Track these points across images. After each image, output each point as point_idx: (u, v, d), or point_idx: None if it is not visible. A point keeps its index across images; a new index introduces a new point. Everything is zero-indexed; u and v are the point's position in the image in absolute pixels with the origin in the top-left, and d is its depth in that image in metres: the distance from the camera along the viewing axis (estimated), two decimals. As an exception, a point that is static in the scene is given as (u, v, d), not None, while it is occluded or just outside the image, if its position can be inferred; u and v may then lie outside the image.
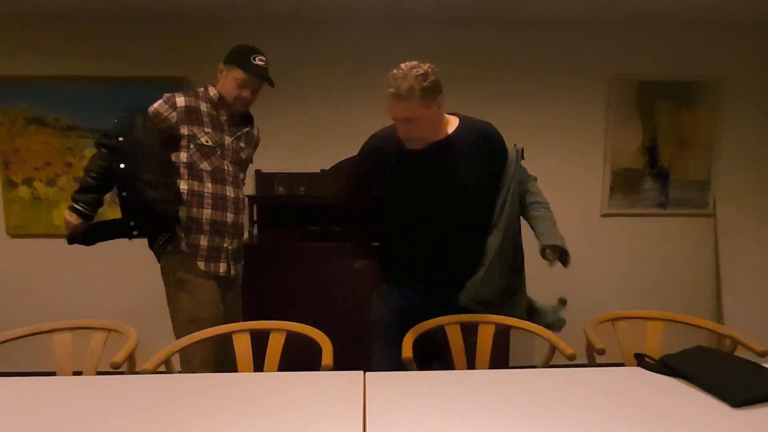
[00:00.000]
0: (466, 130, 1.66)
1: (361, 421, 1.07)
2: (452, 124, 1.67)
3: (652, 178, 3.20)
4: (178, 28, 2.98)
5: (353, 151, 3.04)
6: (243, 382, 1.29)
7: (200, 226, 1.98)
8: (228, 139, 2.02)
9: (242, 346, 1.62)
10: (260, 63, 1.97)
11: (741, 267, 3.25)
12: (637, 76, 3.12)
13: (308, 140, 3.15)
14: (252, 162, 2.24)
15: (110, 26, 2.97)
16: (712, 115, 3.16)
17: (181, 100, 1.93)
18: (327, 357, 1.52)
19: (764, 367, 1.28)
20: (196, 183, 1.96)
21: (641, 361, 1.42)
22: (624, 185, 3.21)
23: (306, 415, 1.10)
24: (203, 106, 1.97)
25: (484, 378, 1.31)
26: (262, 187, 3.05)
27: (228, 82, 1.96)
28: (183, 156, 1.95)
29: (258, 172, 3.05)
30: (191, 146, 1.94)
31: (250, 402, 1.17)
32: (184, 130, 1.93)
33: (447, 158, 1.62)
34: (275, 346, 1.61)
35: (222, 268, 2.04)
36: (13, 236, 3.07)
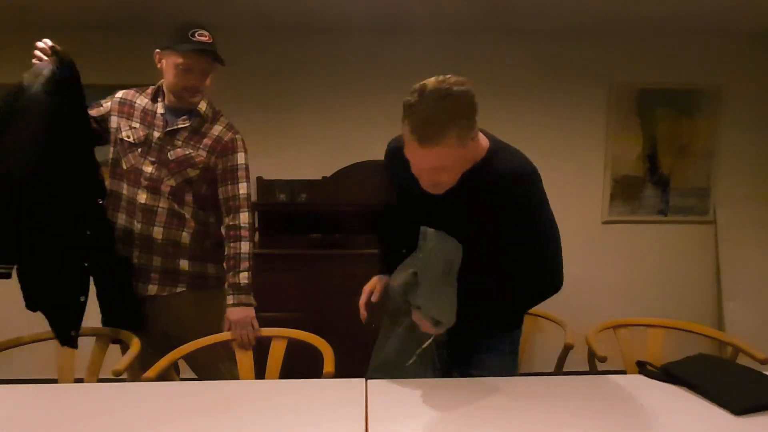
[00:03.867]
0: (494, 160, 1.30)
1: (363, 429, 1.07)
2: (479, 153, 1.29)
3: (652, 186, 3.21)
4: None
5: (354, 159, 3.08)
6: (244, 389, 1.29)
7: (116, 231, 1.72)
8: (156, 135, 1.68)
9: (243, 354, 1.63)
10: (202, 39, 1.61)
11: (742, 274, 3.24)
12: (637, 84, 3.14)
13: (309, 147, 3.15)
14: (204, 167, 1.71)
15: (111, 35, 2.98)
16: (711, 122, 3.17)
17: (120, 92, 1.75)
18: (328, 365, 1.51)
19: (766, 375, 1.28)
20: (116, 183, 1.72)
21: (643, 368, 1.42)
22: (624, 192, 3.22)
23: (307, 423, 1.10)
24: (140, 100, 1.73)
25: (486, 386, 1.31)
26: (263, 194, 3.06)
27: (168, 71, 1.63)
28: (110, 151, 1.72)
29: (259, 179, 3.06)
30: (117, 141, 1.71)
31: (251, 410, 1.16)
32: (113, 123, 1.71)
33: (466, 197, 1.27)
34: (276, 353, 1.61)
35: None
36: (14, 243, 3.07)
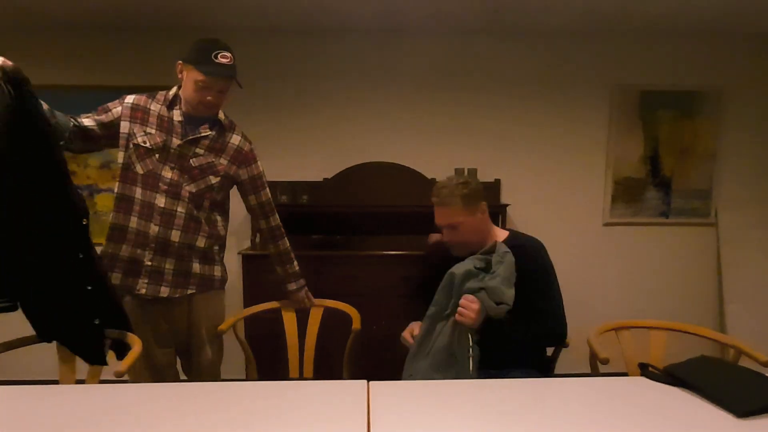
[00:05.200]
0: (512, 245, 1.66)
1: (365, 431, 1.07)
2: (499, 236, 1.72)
3: (654, 188, 3.21)
4: (179, 38, 2.97)
5: (356, 160, 3.09)
6: (246, 390, 1.29)
7: (124, 235, 1.75)
8: (176, 142, 1.74)
9: (288, 318, 2.07)
10: (224, 61, 1.68)
11: (743, 276, 3.24)
12: (639, 86, 3.14)
13: (311, 149, 3.16)
14: (236, 176, 1.86)
15: (116, 36, 2.99)
16: (713, 124, 3.17)
17: (131, 97, 1.77)
18: (356, 323, 1.96)
19: (769, 377, 1.28)
20: (128, 187, 1.74)
21: (645, 370, 1.41)
22: (626, 194, 3.22)
23: (309, 424, 1.10)
24: (154, 106, 1.76)
25: (489, 387, 1.31)
26: (264, 196, 3.06)
27: (188, 84, 1.71)
28: (120, 156, 1.74)
29: (261, 181, 3.07)
30: (129, 146, 1.73)
31: (254, 410, 1.16)
32: (124, 128, 1.73)
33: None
34: (314, 319, 2.06)
35: (141, 286, 1.76)
36: (16, 244, 3.08)
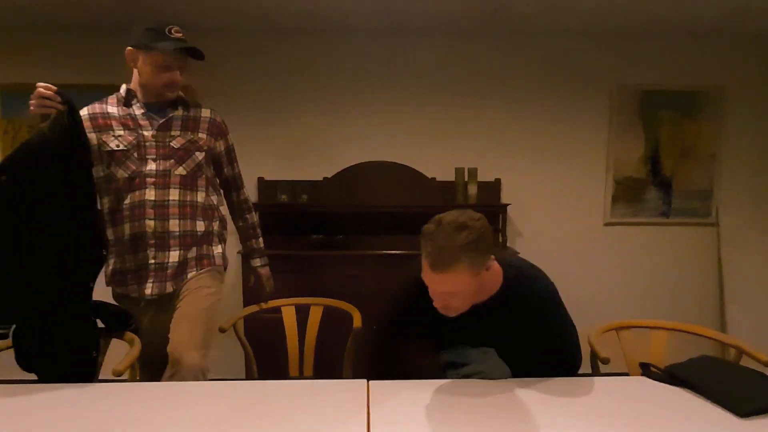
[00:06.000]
0: (514, 287, 1.38)
1: (365, 430, 1.06)
2: (495, 280, 1.37)
3: (654, 188, 3.21)
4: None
5: (355, 159, 3.09)
6: (246, 390, 1.29)
7: (124, 246, 1.69)
8: (147, 134, 1.68)
9: (288, 317, 2.06)
10: (179, 35, 1.64)
11: (744, 276, 3.23)
12: (640, 86, 3.13)
13: (310, 148, 3.15)
14: (214, 149, 1.81)
15: (115, 35, 2.98)
16: (714, 124, 3.17)
17: (84, 110, 1.66)
18: (357, 321, 1.94)
19: (770, 377, 1.28)
20: (114, 198, 1.68)
21: (646, 370, 1.41)
22: (627, 194, 3.21)
23: (310, 423, 1.09)
24: (111, 109, 1.69)
25: (488, 387, 1.30)
26: (264, 195, 3.06)
27: (145, 69, 1.64)
28: (98, 170, 1.65)
29: (260, 180, 3.06)
30: (103, 155, 1.65)
31: (253, 410, 1.16)
32: (92, 141, 1.63)
33: (485, 326, 1.40)
34: (314, 317, 2.05)
35: (147, 287, 1.70)
36: (15, 243, 3.07)
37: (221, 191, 1.94)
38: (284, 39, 3.05)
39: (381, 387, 1.30)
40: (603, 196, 3.23)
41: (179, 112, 1.74)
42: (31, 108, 1.47)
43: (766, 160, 3.24)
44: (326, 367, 2.05)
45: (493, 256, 1.31)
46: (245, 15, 2.81)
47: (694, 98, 3.15)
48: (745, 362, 1.46)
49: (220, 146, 1.84)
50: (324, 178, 3.09)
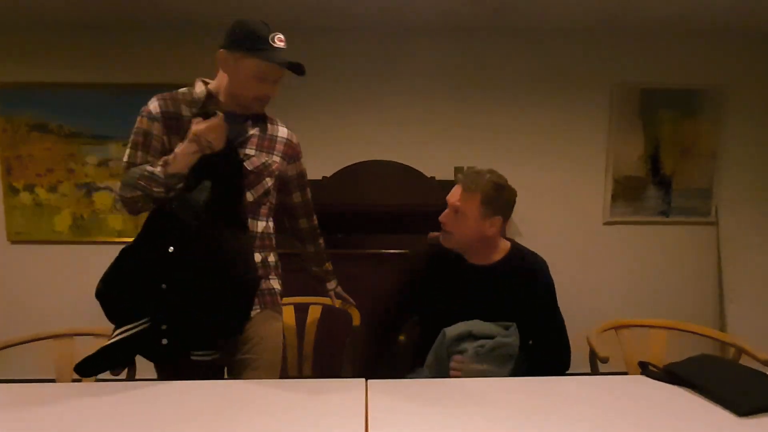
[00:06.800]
0: (514, 260, 1.60)
1: (363, 429, 1.06)
2: (502, 250, 1.61)
3: (654, 186, 3.20)
4: (181, 35, 3.00)
5: (355, 158, 3.08)
6: (243, 389, 1.28)
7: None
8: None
9: (287, 316, 2.00)
10: (281, 44, 1.45)
11: (744, 275, 3.23)
12: (640, 85, 3.13)
13: (309, 147, 3.13)
14: (285, 173, 1.63)
15: (114, 34, 2.98)
16: (714, 123, 3.16)
17: (155, 105, 1.41)
18: (356, 320, 1.94)
19: (770, 376, 1.27)
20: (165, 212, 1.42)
21: (645, 369, 1.41)
22: (626, 193, 3.21)
23: (307, 422, 1.09)
24: (185, 110, 1.43)
25: (487, 386, 1.30)
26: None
27: (239, 76, 1.41)
28: None
29: (260, 179, 3.06)
30: None
31: (251, 409, 1.16)
32: (163, 143, 1.42)
33: (488, 286, 1.57)
34: (313, 316, 2.05)
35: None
36: (14, 242, 3.07)
37: (288, 217, 1.82)
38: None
39: (379, 386, 1.29)
40: (603, 195, 3.23)
41: (256, 131, 1.52)
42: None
43: (766, 159, 3.23)
44: (325, 367, 2.04)
45: (501, 219, 1.54)
46: (245, 13, 2.80)
47: (694, 97, 3.14)
48: (745, 361, 1.46)
49: (292, 171, 1.66)
50: (323, 177, 3.08)
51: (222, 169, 1.38)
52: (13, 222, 3.05)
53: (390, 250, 2.85)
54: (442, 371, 1.48)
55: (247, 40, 1.40)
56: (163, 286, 1.34)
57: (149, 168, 1.34)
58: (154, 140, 1.41)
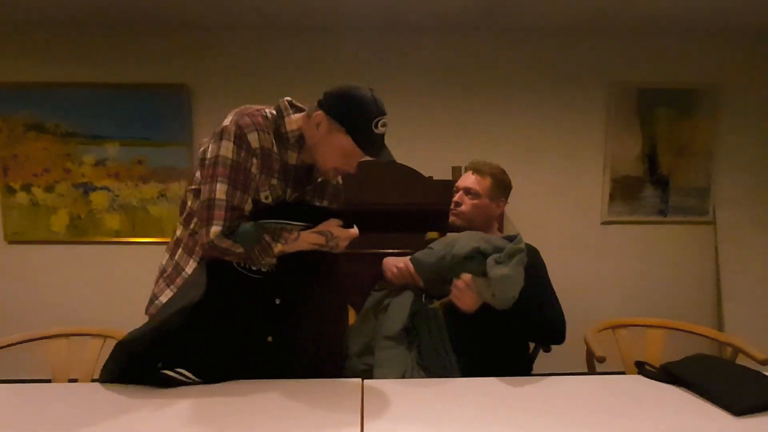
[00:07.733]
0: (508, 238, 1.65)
1: (359, 429, 1.06)
2: (497, 232, 1.77)
3: (651, 186, 3.20)
4: (179, 35, 2.99)
5: (353, 158, 3.07)
6: (240, 389, 1.28)
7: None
8: (288, 191, 1.37)
9: None
10: (383, 130, 1.30)
11: (741, 274, 3.23)
12: (636, 84, 3.13)
13: (308, 147, 3.14)
14: None
15: (111, 33, 2.97)
16: (711, 122, 3.16)
17: (254, 138, 1.25)
18: (353, 319, 1.90)
19: (766, 376, 1.27)
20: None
21: (642, 369, 1.41)
22: (624, 193, 3.21)
23: (303, 422, 1.09)
24: (274, 145, 1.31)
25: (483, 386, 1.30)
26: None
27: (330, 144, 1.30)
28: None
29: (257, 179, 3.05)
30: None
31: (247, 410, 1.15)
32: (253, 175, 1.28)
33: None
34: None
35: None
36: (11, 242, 3.06)
37: None
38: (280, 37, 3.04)
39: (375, 386, 1.29)
40: (600, 195, 3.23)
41: (320, 178, 1.44)
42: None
43: (764, 158, 3.24)
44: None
45: (504, 202, 1.75)
46: (244, 12, 2.80)
47: (691, 96, 3.14)
48: (742, 360, 1.46)
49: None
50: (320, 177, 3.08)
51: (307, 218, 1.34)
52: (9, 222, 3.04)
53: (388, 249, 2.84)
54: (436, 289, 1.54)
55: (351, 118, 1.28)
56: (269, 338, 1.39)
57: (268, 239, 1.27)
58: (252, 178, 1.27)
